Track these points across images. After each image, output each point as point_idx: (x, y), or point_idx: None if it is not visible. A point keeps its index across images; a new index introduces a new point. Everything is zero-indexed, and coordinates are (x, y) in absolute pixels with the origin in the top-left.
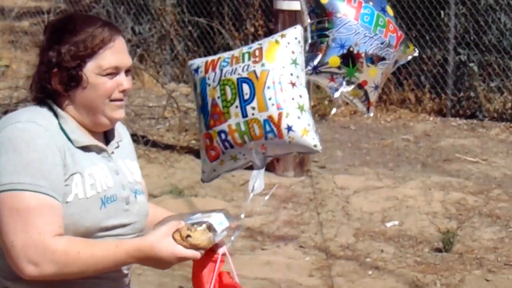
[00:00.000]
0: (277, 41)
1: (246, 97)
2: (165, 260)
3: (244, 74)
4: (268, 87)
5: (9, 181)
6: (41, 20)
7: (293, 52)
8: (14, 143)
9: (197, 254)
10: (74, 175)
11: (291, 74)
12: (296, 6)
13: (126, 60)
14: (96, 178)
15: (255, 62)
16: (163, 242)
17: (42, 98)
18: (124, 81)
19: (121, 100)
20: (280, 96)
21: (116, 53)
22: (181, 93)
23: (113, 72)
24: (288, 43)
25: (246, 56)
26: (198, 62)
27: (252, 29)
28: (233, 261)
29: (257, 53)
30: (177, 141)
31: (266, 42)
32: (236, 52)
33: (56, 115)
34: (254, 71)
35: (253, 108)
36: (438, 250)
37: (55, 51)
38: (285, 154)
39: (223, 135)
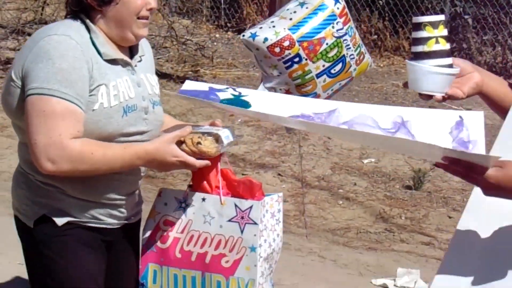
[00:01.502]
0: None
1: (333, 71)
2: (168, 162)
3: (347, 59)
4: (340, 84)
5: (39, 86)
6: None
7: None
8: (49, 53)
9: (195, 161)
10: (100, 86)
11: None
12: None
13: None
14: (119, 89)
15: (354, 44)
16: (167, 146)
17: (77, 12)
18: (152, 1)
19: (147, 18)
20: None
21: None
22: (182, 25)
23: None
24: None
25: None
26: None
27: None
28: None
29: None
30: (175, 71)
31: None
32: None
33: (88, 29)
34: (350, 63)
35: (324, 81)
36: (408, 187)
37: None
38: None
39: (296, 59)
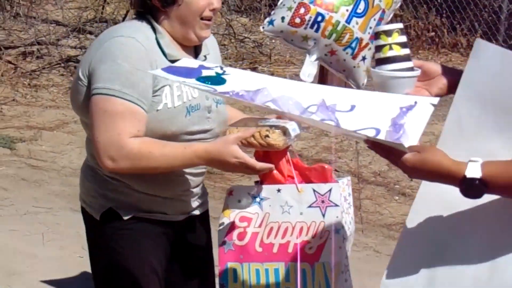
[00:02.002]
0: None
1: (359, 11)
2: (229, 163)
3: None
4: (374, 19)
5: (102, 86)
6: None
7: None
8: (114, 54)
9: (256, 163)
10: (164, 87)
11: (392, 15)
12: None
13: None
14: (183, 89)
15: None
16: (228, 147)
17: (142, 13)
18: (214, 1)
19: (209, 19)
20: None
21: None
22: (240, 23)
23: None
24: None
25: None
26: None
27: None
28: None
29: None
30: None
31: None
32: None
33: (154, 29)
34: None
35: (357, 23)
36: None
37: None
38: (343, 69)
39: (319, 17)
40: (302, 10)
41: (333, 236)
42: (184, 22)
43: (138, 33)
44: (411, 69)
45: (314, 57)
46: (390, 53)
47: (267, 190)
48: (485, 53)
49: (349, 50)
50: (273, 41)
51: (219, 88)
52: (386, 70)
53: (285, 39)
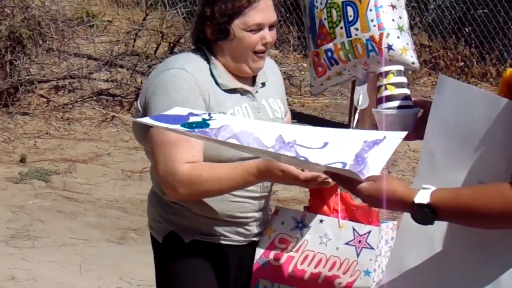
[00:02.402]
0: None
1: (350, 18)
2: (276, 175)
3: None
4: (370, 10)
5: None
6: None
7: None
8: (166, 86)
9: (300, 173)
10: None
11: None
12: None
13: (269, 17)
14: (237, 116)
15: None
16: (274, 161)
17: (198, 45)
18: (267, 35)
19: (263, 52)
20: (381, 18)
21: (260, 11)
22: (270, 55)
23: (257, 28)
24: None
25: None
26: None
27: None
28: None
29: None
30: None
31: None
32: None
33: (208, 60)
34: None
35: (357, 29)
36: None
37: (209, 7)
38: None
39: (329, 53)
40: (316, 59)
41: (362, 277)
42: (237, 56)
43: (189, 64)
44: (409, 107)
45: (361, 81)
46: (384, 93)
47: (310, 218)
48: (448, 88)
49: (372, 54)
50: (303, 72)
51: (192, 130)
52: (381, 108)
53: (332, 85)
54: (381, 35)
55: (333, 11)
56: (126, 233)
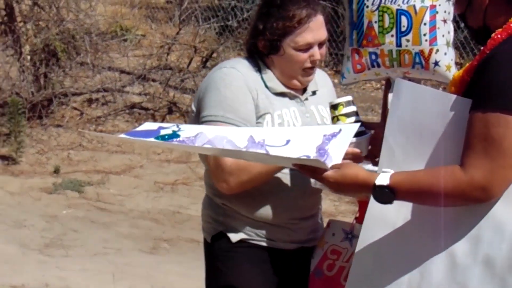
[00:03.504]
0: None
1: (403, 29)
2: None
3: (404, 7)
4: (425, 24)
5: (208, 113)
6: None
7: None
8: (217, 84)
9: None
10: (266, 115)
11: (444, 12)
12: None
13: (319, 36)
14: (284, 118)
15: None
16: None
17: (252, 53)
18: (316, 53)
19: (312, 68)
20: (433, 33)
21: (310, 31)
22: None
23: (307, 48)
24: None
25: None
26: None
27: None
28: None
29: None
30: None
31: None
32: None
33: (259, 67)
34: (414, 6)
35: (408, 40)
36: None
37: (262, 23)
38: (425, 79)
39: (373, 56)
40: (356, 57)
41: None
42: (287, 70)
43: (239, 64)
44: (363, 133)
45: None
46: (338, 124)
47: (358, 228)
48: (403, 90)
49: (418, 66)
50: (335, 87)
51: (169, 140)
52: None
53: (364, 80)
54: (431, 50)
55: (386, 16)
56: (158, 244)
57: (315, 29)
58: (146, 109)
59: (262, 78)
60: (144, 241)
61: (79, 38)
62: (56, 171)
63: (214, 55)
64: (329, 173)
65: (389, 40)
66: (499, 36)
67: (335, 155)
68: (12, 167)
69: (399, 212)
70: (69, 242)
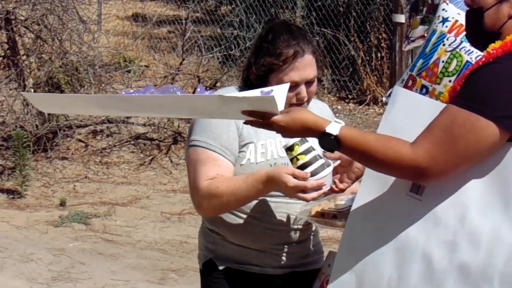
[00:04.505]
0: None
1: None
2: (284, 180)
3: (473, 61)
4: None
5: (192, 138)
6: (179, 27)
7: None
8: None
9: (290, 180)
10: (249, 144)
11: None
12: None
13: (306, 75)
14: (268, 148)
15: None
16: (284, 166)
17: (246, 83)
18: (302, 92)
19: (300, 104)
20: None
21: (297, 70)
22: None
23: (293, 85)
24: None
25: None
26: (452, 13)
27: (375, 42)
28: None
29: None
30: None
31: None
32: None
33: None
34: None
35: None
36: None
37: (254, 57)
38: None
39: (424, 90)
40: (410, 83)
41: None
42: None
43: (229, 93)
44: (325, 165)
45: None
46: (299, 163)
47: None
48: (400, 97)
49: None
50: (337, 114)
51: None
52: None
53: None
54: None
55: (454, 61)
56: (166, 274)
57: (302, 68)
58: (151, 139)
59: None
60: (152, 272)
61: (82, 70)
62: (62, 203)
63: (218, 84)
64: (278, 117)
65: (445, 83)
66: (494, 51)
67: (278, 98)
68: (17, 200)
69: (377, 214)
70: (77, 275)
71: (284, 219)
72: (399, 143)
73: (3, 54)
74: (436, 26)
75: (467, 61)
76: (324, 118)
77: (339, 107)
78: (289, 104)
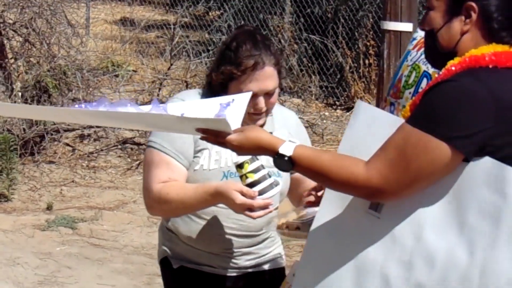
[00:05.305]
0: None
1: (420, 90)
2: (232, 196)
3: (430, 71)
4: None
5: (149, 139)
6: (167, 32)
7: None
8: None
9: (237, 197)
10: (204, 150)
11: None
12: (401, 27)
13: (264, 87)
14: (222, 155)
15: None
16: (234, 181)
17: (209, 86)
18: (260, 103)
19: (258, 114)
20: None
21: (255, 81)
22: (293, 103)
23: (252, 96)
24: None
25: None
26: (421, 32)
27: (363, 48)
28: None
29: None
30: None
31: None
32: None
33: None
34: (438, 73)
35: None
36: None
37: (217, 63)
38: None
39: (392, 108)
40: (383, 104)
41: None
42: None
43: (188, 97)
44: (274, 185)
45: None
46: (247, 181)
47: None
48: (361, 112)
49: None
50: (325, 121)
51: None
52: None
53: None
54: None
55: (414, 73)
56: (153, 279)
57: (261, 80)
58: (138, 144)
59: None
60: (138, 277)
61: (70, 74)
62: (49, 207)
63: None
64: (232, 136)
65: (406, 96)
66: (453, 68)
67: (233, 120)
68: (4, 204)
69: (338, 230)
70: (63, 279)
71: (236, 226)
72: (354, 163)
73: None
74: (408, 45)
75: (425, 71)
76: (281, 135)
77: (326, 113)
78: (247, 114)
